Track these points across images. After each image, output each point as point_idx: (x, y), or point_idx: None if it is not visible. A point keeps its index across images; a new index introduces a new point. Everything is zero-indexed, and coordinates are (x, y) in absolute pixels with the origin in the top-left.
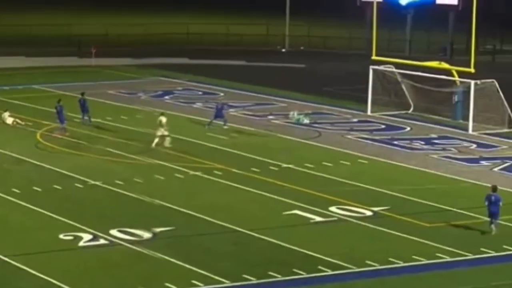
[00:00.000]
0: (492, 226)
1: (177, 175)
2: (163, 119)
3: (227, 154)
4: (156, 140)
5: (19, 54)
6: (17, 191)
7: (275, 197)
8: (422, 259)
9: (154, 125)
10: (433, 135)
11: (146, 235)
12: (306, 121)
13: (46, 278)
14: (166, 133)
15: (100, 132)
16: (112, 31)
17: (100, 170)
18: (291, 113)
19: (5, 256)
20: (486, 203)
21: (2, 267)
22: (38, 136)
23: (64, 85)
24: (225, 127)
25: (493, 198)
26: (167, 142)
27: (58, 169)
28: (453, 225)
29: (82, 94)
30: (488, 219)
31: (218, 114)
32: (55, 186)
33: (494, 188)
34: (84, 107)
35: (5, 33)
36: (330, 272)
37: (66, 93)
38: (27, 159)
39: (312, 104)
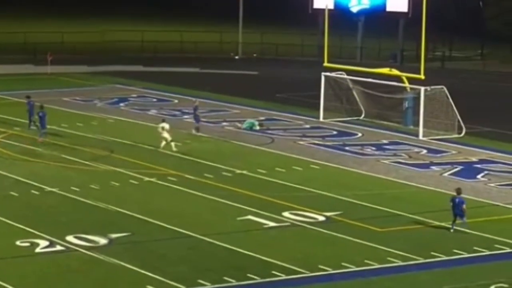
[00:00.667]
0: (453, 226)
1: (132, 181)
2: (166, 125)
3: (181, 160)
4: (163, 143)
5: None
6: None
7: (229, 202)
8: (374, 263)
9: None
10: (384, 141)
11: (102, 241)
12: (258, 127)
13: (3, 284)
14: (169, 138)
15: (56, 139)
16: (68, 38)
17: (56, 177)
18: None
19: None
20: (451, 204)
21: None
22: None
23: (20, 92)
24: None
25: (456, 200)
26: (173, 147)
27: (14, 176)
28: (404, 230)
29: (28, 97)
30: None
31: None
32: (11, 193)
33: (458, 191)
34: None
35: None
36: (284, 277)
37: (22, 101)
38: None
39: (265, 111)
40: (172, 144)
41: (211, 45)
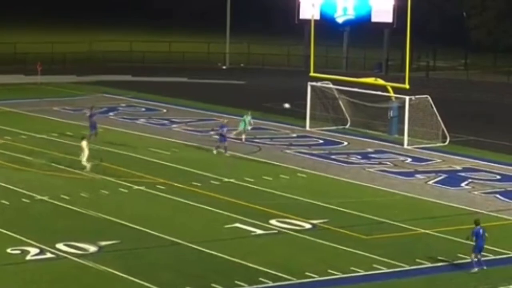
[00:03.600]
0: (482, 263)
1: (121, 189)
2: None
3: (170, 169)
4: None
5: None
6: None
7: (217, 210)
8: (359, 270)
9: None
10: (370, 150)
11: (92, 248)
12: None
13: None
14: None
15: (46, 148)
16: (57, 49)
17: (46, 185)
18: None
19: None
20: (473, 239)
21: None
22: None
23: (11, 102)
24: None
25: (481, 231)
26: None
27: (4, 184)
28: (389, 237)
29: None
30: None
31: (222, 139)
32: (2, 201)
33: (478, 221)
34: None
35: None
36: (271, 284)
37: (12, 110)
38: None
39: (252, 120)
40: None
41: (199, 55)
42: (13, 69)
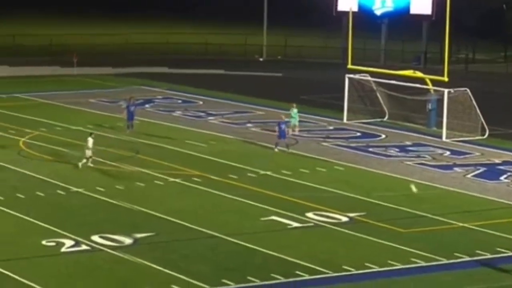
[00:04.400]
0: None
1: (157, 182)
2: (90, 141)
3: (206, 161)
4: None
5: (3, 63)
6: (0, 198)
7: (253, 203)
8: (397, 264)
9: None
10: (408, 142)
11: (127, 241)
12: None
13: (28, 283)
14: (90, 154)
15: (82, 140)
16: (94, 40)
17: (81, 177)
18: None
19: None
20: None
21: None
22: (20, 144)
23: (46, 93)
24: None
25: None
26: (87, 162)
27: (41, 176)
28: (427, 231)
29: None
30: None
31: (282, 134)
32: (38, 193)
33: None
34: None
35: None
36: (307, 277)
37: (48, 102)
38: (10, 166)
39: (289, 112)
40: (89, 161)
41: (236, 47)
42: (49, 61)
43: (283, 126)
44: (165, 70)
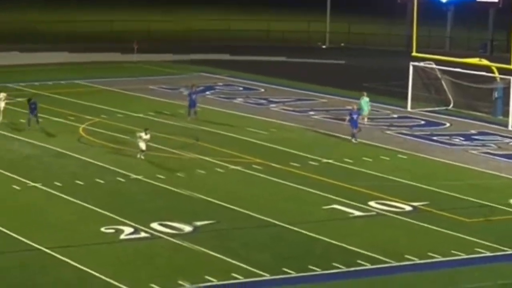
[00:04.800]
0: None
1: (217, 169)
2: (146, 136)
3: (267, 149)
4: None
5: (62, 49)
6: (59, 184)
7: (314, 191)
8: (461, 253)
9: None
10: (473, 131)
11: (187, 228)
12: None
13: (87, 270)
14: (143, 148)
15: (143, 127)
16: (154, 27)
17: (141, 164)
18: None
19: (47, 248)
20: None
21: (44, 258)
22: (80, 131)
23: (107, 80)
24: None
25: None
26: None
27: (100, 163)
28: (492, 220)
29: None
30: None
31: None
32: (97, 180)
33: None
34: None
35: (49, 29)
36: (369, 266)
37: (109, 88)
38: (69, 153)
39: (352, 100)
40: (142, 155)
41: (299, 34)
42: (109, 47)
43: (355, 116)
44: (227, 57)
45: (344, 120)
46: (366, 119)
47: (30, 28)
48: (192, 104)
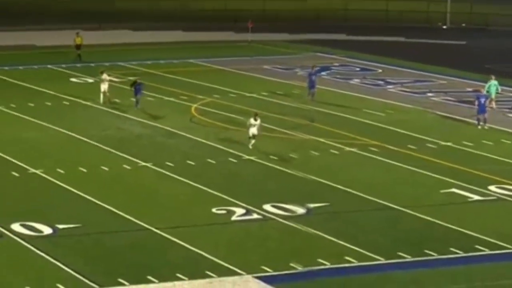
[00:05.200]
0: None
1: (332, 151)
2: (256, 122)
3: (384, 131)
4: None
5: (176, 28)
6: (170, 164)
7: (432, 174)
8: None
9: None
10: None
11: (300, 210)
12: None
13: (197, 250)
14: (256, 133)
15: (256, 107)
16: (269, 6)
17: (254, 145)
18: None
19: (157, 228)
20: None
21: (154, 239)
22: (192, 110)
23: (220, 59)
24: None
25: None
26: (251, 143)
27: (212, 143)
28: None
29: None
30: None
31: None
32: (209, 160)
33: None
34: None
35: (162, 7)
36: (487, 252)
37: (222, 68)
38: (181, 133)
39: (473, 82)
40: (252, 141)
41: (418, 14)
42: (223, 26)
43: (482, 100)
44: (343, 37)
45: (466, 102)
46: (494, 103)
47: (145, 7)
48: (312, 85)
